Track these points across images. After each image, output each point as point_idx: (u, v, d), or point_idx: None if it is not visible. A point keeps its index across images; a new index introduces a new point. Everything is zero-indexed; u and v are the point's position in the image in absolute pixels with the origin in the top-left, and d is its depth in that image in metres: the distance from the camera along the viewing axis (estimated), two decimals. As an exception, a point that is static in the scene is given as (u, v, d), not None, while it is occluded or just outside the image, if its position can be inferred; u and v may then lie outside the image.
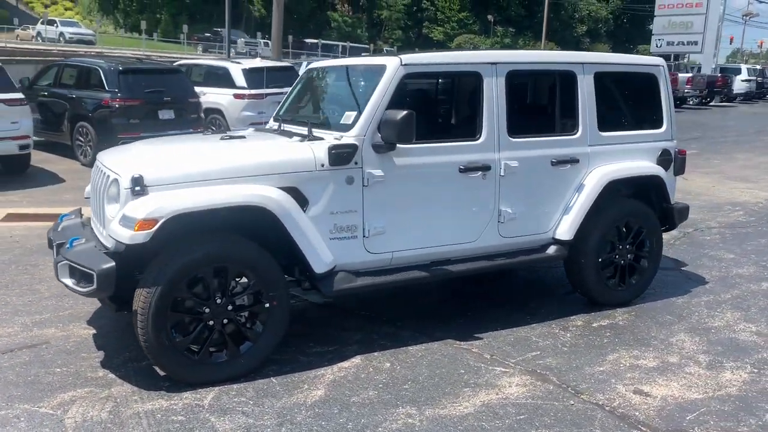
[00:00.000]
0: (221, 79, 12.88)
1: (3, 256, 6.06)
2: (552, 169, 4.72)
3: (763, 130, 20.98)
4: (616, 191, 5.16)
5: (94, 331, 4.44)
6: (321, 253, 3.94)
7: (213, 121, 12.71)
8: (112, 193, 3.76)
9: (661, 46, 38.60)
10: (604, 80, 5.01)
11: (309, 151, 4.00)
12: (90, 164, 8.40)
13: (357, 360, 4.08)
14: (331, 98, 4.98)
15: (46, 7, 50.07)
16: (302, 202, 3.93)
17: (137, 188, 3.56)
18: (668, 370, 4.05)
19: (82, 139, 10.94)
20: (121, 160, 3.97)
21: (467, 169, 4.38)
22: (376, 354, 4.17)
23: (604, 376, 3.94)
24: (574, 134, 4.82)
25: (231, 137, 4.40)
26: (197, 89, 12.42)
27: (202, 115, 11.96)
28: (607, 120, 4.98)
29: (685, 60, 39.55)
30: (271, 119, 5.18)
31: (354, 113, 4.18)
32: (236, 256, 3.68)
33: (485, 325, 4.66)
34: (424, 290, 5.41)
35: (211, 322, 3.68)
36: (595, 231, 4.87)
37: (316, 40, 44.21)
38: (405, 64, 4.18)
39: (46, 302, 4.93)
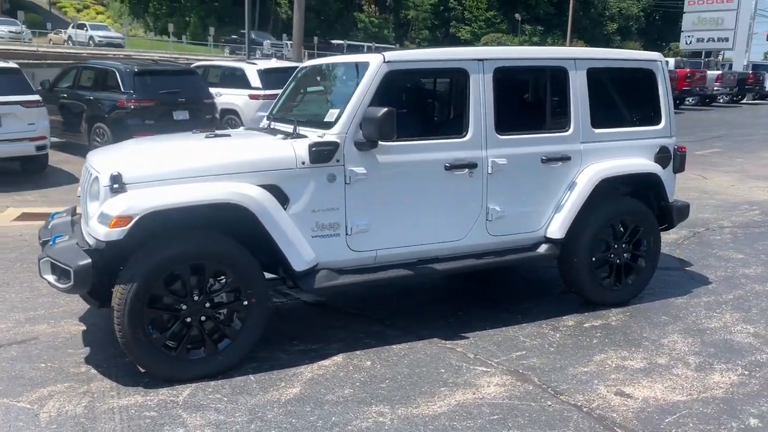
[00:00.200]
0: (237, 80, 13.00)
1: (10, 254, 6.18)
2: (542, 167, 4.66)
3: (794, 127, 20.45)
4: (611, 189, 5.07)
5: (84, 328, 4.50)
6: (301, 250, 3.94)
7: (229, 122, 12.83)
8: (93, 190, 3.82)
9: (690, 43, 37.91)
10: (598, 76, 4.93)
11: (290, 148, 4.01)
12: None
13: (338, 358, 4.07)
14: (318, 96, 4.99)
15: (78, 11, 51.07)
16: (283, 199, 3.94)
17: (115, 186, 3.60)
18: (654, 371, 3.96)
19: (99, 139, 11.12)
20: (104, 159, 4.03)
21: (453, 167, 4.34)
22: (358, 352, 4.16)
23: (587, 377, 3.87)
24: (566, 131, 4.74)
25: (216, 135, 4.43)
26: (214, 90, 12.55)
27: (218, 115, 12.08)
28: (601, 116, 4.89)
29: (720, 57, 38.77)
30: (265, 118, 5.21)
31: (337, 111, 4.17)
32: (213, 253, 3.70)
33: (474, 324, 4.62)
34: (417, 289, 5.39)
35: (189, 319, 3.70)
36: (588, 229, 4.78)
37: (342, 41, 44.31)
38: (388, 62, 4.16)
39: (43, 299, 5.01)
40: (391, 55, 4.21)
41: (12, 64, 10.11)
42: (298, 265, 3.94)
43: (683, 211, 5.36)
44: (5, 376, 3.77)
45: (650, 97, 5.14)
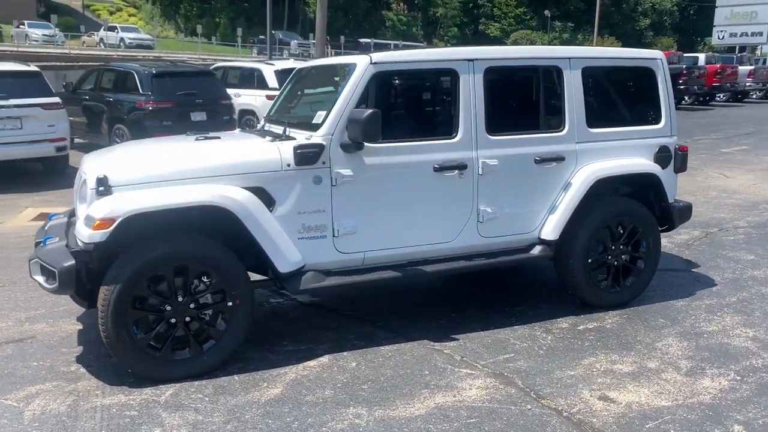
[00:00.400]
0: (255, 80, 13.13)
1: (22, 253, 6.32)
2: (536, 168, 4.61)
3: (828, 124, 19.86)
4: (609, 189, 5.00)
5: (81, 327, 4.59)
6: (286, 252, 3.96)
7: (247, 122, 12.96)
8: (83, 193, 3.90)
9: (723, 37, 37.09)
10: (595, 75, 4.87)
11: (276, 151, 4.03)
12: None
13: (324, 359, 4.09)
14: (309, 98, 5.00)
15: (111, 13, 52.05)
16: (269, 201, 3.96)
17: (101, 188, 3.67)
18: (643, 375, 3.89)
19: (119, 140, 11.31)
20: (94, 162, 4.11)
21: (442, 168, 4.32)
22: (345, 353, 4.17)
23: (573, 381, 3.82)
24: (560, 131, 4.68)
25: (206, 138, 4.48)
26: (233, 91, 12.69)
27: (235, 116, 12.21)
28: (598, 116, 4.82)
29: (757, 52, 37.80)
30: (262, 119, 5.25)
31: (324, 113, 4.18)
32: (197, 255, 3.74)
33: (466, 326, 4.59)
34: (413, 290, 5.38)
35: (173, 320, 3.75)
36: (583, 230, 4.72)
37: (369, 40, 44.35)
38: (375, 63, 4.16)
39: (46, 299, 5.12)
40: (378, 56, 4.21)
41: (33, 68, 10.35)
42: (283, 266, 3.96)
43: (685, 211, 5.25)
44: (-2, 374, 3.87)
45: (650, 96, 5.04)
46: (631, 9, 66.42)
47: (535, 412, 3.47)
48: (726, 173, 11.10)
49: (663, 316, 4.82)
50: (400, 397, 3.62)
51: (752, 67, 28.47)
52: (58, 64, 22.66)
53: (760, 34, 36.44)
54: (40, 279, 3.80)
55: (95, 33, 40.99)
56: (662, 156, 5.02)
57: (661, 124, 5.05)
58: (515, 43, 51.33)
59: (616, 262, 4.91)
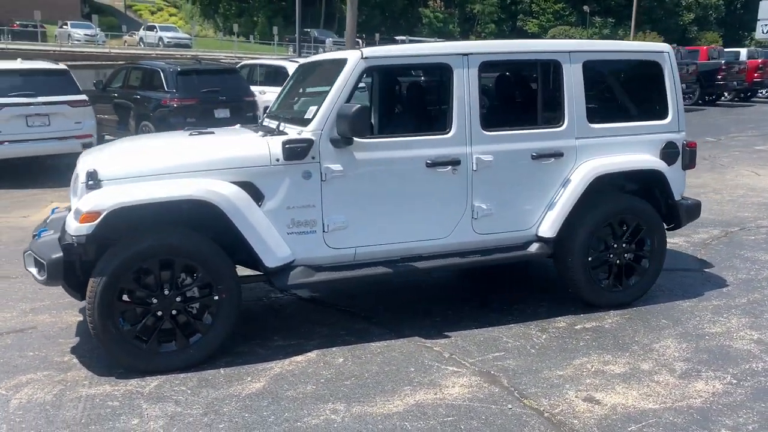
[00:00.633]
0: (280, 77, 13.16)
1: (39, 247, 6.49)
2: (533, 164, 4.52)
3: None
4: (614, 187, 4.89)
5: (82, 319, 4.68)
6: (273, 247, 3.97)
7: (272, 119, 13.03)
8: (75, 187, 3.97)
9: (767, 32, 35.86)
10: (597, 69, 4.76)
11: (265, 146, 4.05)
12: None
13: (312, 354, 4.09)
14: (306, 93, 5.00)
15: (152, 13, 53.07)
16: (257, 196, 3.98)
17: (90, 182, 3.73)
18: (634, 377, 3.79)
19: (144, 137, 11.53)
20: (89, 157, 4.18)
21: (435, 164, 4.28)
22: (334, 349, 4.16)
23: (560, 381, 3.74)
24: (559, 127, 4.59)
25: (200, 133, 4.52)
26: (259, 88, 12.79)
27: (259, 113, 12.29)
28: (600, 111, 4.71)
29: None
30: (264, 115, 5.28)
31: (315, 108, 4.18)
32: (182, 249, 3.77)
33: (461, 324, 4.54)
34: (413, 287, 5.34)
35: (159, 313, 3.79)
36: (583, 228, 4.61)
37: (404, 37, 44.28)
38: (366, 58, 4.14)
39: (52, 290, 5.20)
40: (369, 51, 4.19)
41: (61, 66, 10.61)
42: (270, 261, 3.97)
43: (693, 210, 5.09)
44: (-6, 363, 3.97)
45: (656, 91, 4.90)
46: (675, 3, 64.88)
47: (515, 411, 3.41)
48: (758, 171, 10.75)
49: (666, 316, 4.69)
50: (381, 393, 3.59)
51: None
52: (99, 63, 23.21)
53: (808, 28, 35.15)
54: (33, 270, 3.89)
55: (136, 32, 41.85)
56: (669, 152, 4.88)
57: (668, 120, 4.91)
58: (554, 38, 50.56)
59: (618, 261, 4.79)
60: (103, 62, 23.83)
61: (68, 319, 4.69)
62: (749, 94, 25.06)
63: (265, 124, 4.83)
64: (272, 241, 3.97)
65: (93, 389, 3.64)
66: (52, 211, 4.80)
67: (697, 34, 63.36)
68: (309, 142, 4.03)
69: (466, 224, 4.43)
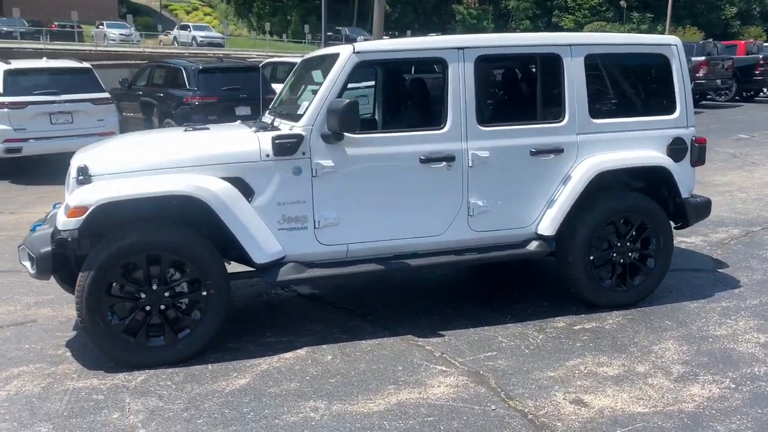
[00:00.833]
0: (302, 75, 13.22)
1: (54, 242, 6.60)
2: (531, 160, 4.42)
3: None
4: (618, 184, 4.75)
5: (81, 313, 4.74)
6: (262, 243, 3.95)
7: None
8: (68, 183, 4.01)
9: (812, 25, 34.67)
10: (600, 63, 4.64)
11: (255, 141, 4.04)
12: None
13: (302, 351, 4.06)
14: (302, 89, 4.98)
15: (187, 13, 53.82)
16: (247, 192, 3.97)
17: (81, 177, 3.77)
18: (627, 379, 3.67)
19: (167, 135, 11.67)
20: (83, 153, 4.22)
21: (429, 160, 4.21)
22: (324, 347, 4.13)
23: (550, 383, 3.65)
24: (559, 122, 4.47)
25: (195, 129, 4.53)
26: (281, 86, 12.82)
27: (280, 110, 12.36)
28: (603, 106, 4.61)
29: None
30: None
31: (307, 103, 4.16)
32: (169, 244, 3.78)
33: (458, 323, 4.47)
34: (416, 285, 5.28)
35: (148, 308, 3.81)
36: (583, 226, 4.50)
37: (435, 34, 44.10)
38: (358, 52, 4.09)
39: (57, 284, 5.31)
40: (361, 45, 4.14)
41: (85, 65, 10.81)
42: (259, 257, 3.96)
43: (702, 208, 4.91)
44: (-10, 356, 4.04)
45: (663, 85, 4.76)
46: (716, -3, 63.24)
47: (498, 412, 3.33)
48: (789, 169, 10.38)
49: (670, 318, 4.54)
50: (365, 392, 3.55)
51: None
52: (133, 62, 23.63)
53: None
54: (27, 264, 3.94)
55: (170, 32, 42.48)
56: (676, 148, 4.72)
57: (676, 115, 4.75)
58: (589, 35, 49.70)
59: (622, 260, 4.66)
60: (138, 61, 24.27)
61: (69, 313, 4.74)
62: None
63: (264, 119, 4.82)
64: (262, 237, 3.96)
65: (80, 382, 3.67)
66: (54, 206, 4.87)
67: (740, 28, 61.62)
68: (299, 138, 4.01)
69: (461, 221, 4.36)
